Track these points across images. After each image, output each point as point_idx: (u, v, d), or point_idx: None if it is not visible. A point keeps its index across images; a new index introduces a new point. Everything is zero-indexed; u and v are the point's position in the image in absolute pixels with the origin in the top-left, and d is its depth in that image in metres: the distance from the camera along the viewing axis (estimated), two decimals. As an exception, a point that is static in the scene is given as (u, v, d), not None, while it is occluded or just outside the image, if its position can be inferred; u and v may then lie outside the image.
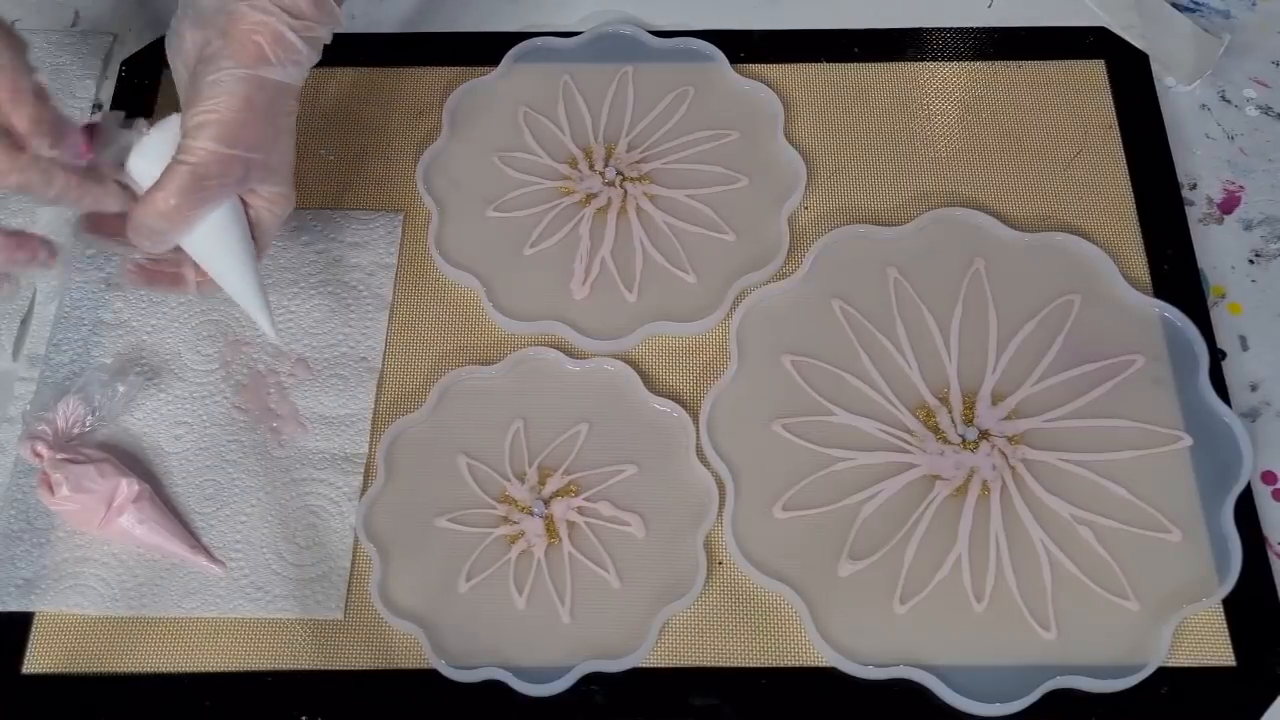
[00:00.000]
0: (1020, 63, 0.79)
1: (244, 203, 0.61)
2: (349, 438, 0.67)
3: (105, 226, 0.61)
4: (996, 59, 0.79)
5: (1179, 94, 0.78)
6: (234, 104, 0.58)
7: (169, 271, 0.63)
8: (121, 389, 0.67)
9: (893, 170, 0.75)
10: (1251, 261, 0.73)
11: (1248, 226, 0.74)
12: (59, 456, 0.64)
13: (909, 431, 0.66)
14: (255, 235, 0.62)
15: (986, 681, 0.60)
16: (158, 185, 0.57)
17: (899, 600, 0.62)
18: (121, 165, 0.58)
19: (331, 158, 0.76)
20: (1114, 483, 0.64)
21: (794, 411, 0.67)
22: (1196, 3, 0.82)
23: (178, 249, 0.61)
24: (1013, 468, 0.65)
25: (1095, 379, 0.67)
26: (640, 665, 0.61)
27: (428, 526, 0.65)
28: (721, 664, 0.62)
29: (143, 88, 0.78)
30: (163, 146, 0.58)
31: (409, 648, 0.62)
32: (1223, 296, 0.72)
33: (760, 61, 0.79)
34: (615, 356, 0.69)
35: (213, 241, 0.60)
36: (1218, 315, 0.71)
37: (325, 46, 0.62)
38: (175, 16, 0.61)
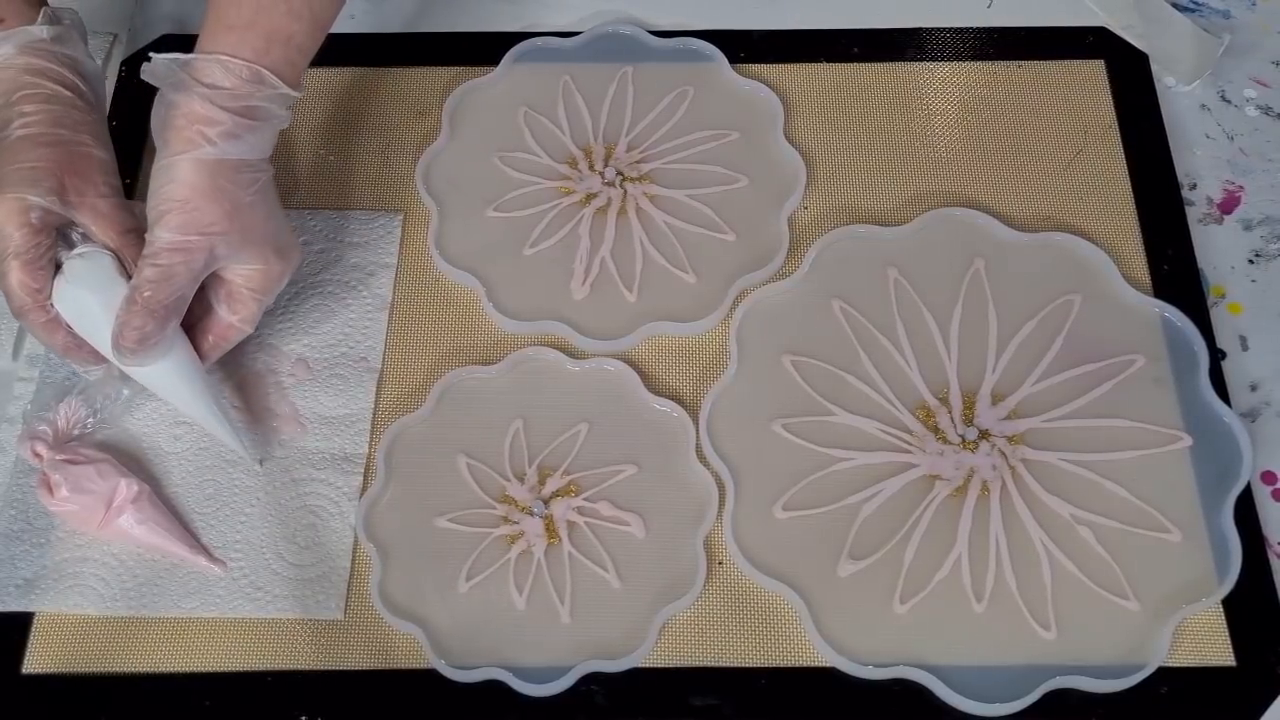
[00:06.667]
0: (1020, 63, 0.79)
1: (220, 280, 0.63)
2: (349, 438, 0.67)
3: (84, 349, 0.64)
4: (996, 59, 0.79)
5: (1179, 94, 0.78)
6: (180, 191, 0.59)
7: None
8: (125, 392, 0.67)
9: (893, 170, 0.75)
10: (1251, 261, 0.73)
11: (1248, 226, 0.74)
12: (58, 457, 0.64)
13: (909, 431, 0.66)
14: (230, 310, 0.63)
15: (986, 681, 0.60)
16: (132, 286, 0.60)
17: (899, 600, 0.62)
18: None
19: (332, 158, 0.76)
20: (1114, 483, 0.64)
21: (794, 411, 0.67)
22: (1196, 3, 0.82)
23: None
24: (1012, 468, 0.65)
25: (1095, 379, 0.67)
26: (640, 665, 0.61)
27: (428, 526, 0.65)
28: (721, 664, 0.62)
29: (143, 88, 0.78)
30: (93, 272, 0.61)
31: (409, 648, 0.62)
32: (1223, 296, 0.72)
33: (760, 61, 0.79)
34: (615, 356, 0.69)
35: (163, 377, 0.63)
36: (1218, 315, 0.71)
37: (303, 81, 0.63)
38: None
